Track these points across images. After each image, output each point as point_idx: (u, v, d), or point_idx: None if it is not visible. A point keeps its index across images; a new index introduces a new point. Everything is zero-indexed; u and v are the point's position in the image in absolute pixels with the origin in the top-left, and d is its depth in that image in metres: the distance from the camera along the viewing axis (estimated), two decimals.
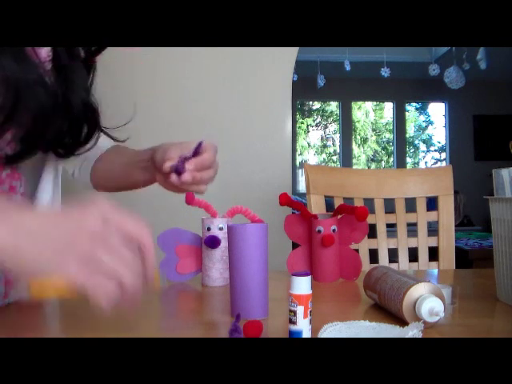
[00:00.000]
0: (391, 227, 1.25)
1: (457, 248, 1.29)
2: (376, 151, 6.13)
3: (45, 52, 0.71)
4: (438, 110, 5.97)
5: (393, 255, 1.26)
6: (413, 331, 0.48)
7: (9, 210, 0.48)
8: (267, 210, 1.27)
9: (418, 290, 0.56)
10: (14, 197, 0.76)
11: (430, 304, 0.54)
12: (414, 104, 6.09)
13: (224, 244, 0.83)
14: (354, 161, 5.92)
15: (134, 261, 0.51)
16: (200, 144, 0.64)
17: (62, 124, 0.73)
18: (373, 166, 6.06)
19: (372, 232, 1.06)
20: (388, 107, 6.05)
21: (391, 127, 5.98)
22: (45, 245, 0.46)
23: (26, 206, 0.52)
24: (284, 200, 0.91)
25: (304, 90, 4.82)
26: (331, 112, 6.09)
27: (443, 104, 5.78)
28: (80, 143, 0.80)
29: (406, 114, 5.93)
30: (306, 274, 0.50)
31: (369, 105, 6.09)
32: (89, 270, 0.47)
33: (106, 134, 0.83)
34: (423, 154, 6.18)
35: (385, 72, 4.16)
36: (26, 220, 0.47)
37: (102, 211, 0.50)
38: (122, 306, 0.49)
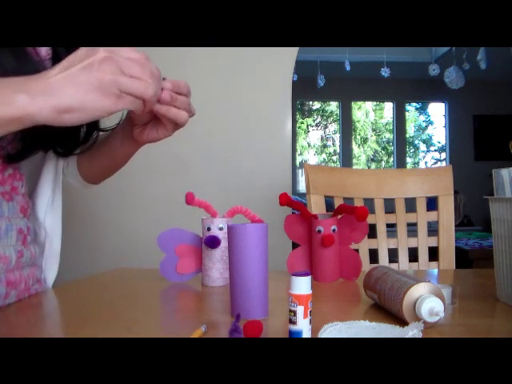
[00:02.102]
0: (391, 227, 1.25)
1: (457, 248, 1.29)
2: (376, 151, 6.13)
3: (45, 50, 0.72)
4: (438, 110, 5.97)
5: (393, 255, 1.26)
6: (413, 331, 0.48)
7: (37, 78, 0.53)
8: (267, 210, 1.27)
9: (418, 290, 0.56)
10: (16, 197, 0.76)
11: (430, 304, 0.54)
12: (414, 104, 6.09)
13: (224, 244, 0.83)
14: (354, 161, 5.92)
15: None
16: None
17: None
18: (373, 166, 6.06)
19: (372, 232, 1.06)
20: (388, 107, 6.05)
21: (391, 127, 5.98)
22: (81, 88, 0.52)
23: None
24: (284, 200, 0.91)
25: (304, 90, 4.82)
26: (331, 112, 6.09)
27: (443, 104, 5.78)
28: (79, 142, 0.81)
29: (406, 114, 5.93)
30: (306, 274, 0.50)
31: (369, 105, 6.09)
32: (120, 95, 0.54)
33: (104, 131, 0.84)
34: (423, 154, 6.18)
35: (385, 72, 4.16)
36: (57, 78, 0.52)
37: (104, 49, 0.54)
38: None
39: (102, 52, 0.53)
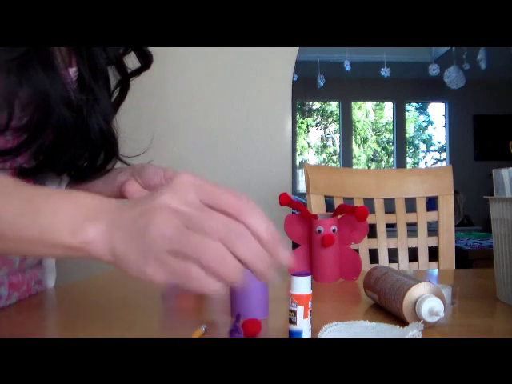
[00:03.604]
0: (391, 227, 1.25)
1: (457, 248, 1.29)
2: (376, 151, 6.13)
3: (72, 71, 0.70)
4: (438, 110, 5.96)
5: (393, 255, 1.26)
6: (413, 331, 0.48)
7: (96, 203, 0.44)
8: (267, 210, 1.26)
9: (418, 290, 0.56)
10: None
11: (429, 304, 0.54)
12: (414, 104, 6.08)
13: None
14: (354, 161, 5.92)
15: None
16: None
17: (79, 147, 0.71)
18: (373, 166, 6.06)
19: (372, 232, 1.06)
20: (388, 107, 6.05)
21: (391, 127, 5.98)
22: (134, 242, 0.41)
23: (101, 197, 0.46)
24: (284, 200, 0.91)
25: (304, 90, 4.82)
26: (331, 112, 6.09)
27: (443, 104, 5.78)
28: (95, 169, 0.77)
29: (406, 113, 5.93)
30: (306, 274, 0.50)
31: (369, 105, 6.09)
32: (181, 265, 0.39)
33: (122, 161, 0.80)
34: (423, 154, 6.18)
35: (385, 72, 4.15)
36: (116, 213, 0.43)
37: (188, 187, 0.42)
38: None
39: (168, 199, 0.41)
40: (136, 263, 0.40)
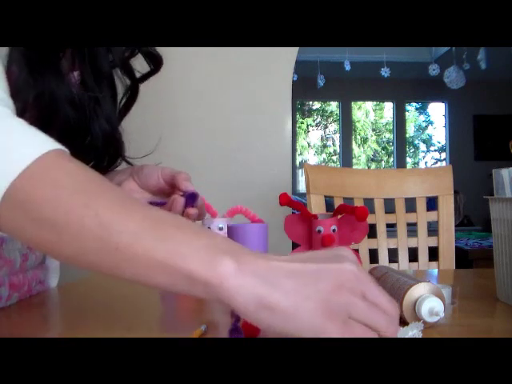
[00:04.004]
0: (391, 227, 1.25)
1: (457, 248, 1.29)
2: (376, 151, 6.13)
3: (75, 75, 0.70)
4: (438, 110, 5.97)
5: (393, 255, 1.26)
6: (413, 331, 0.48)
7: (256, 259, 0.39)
8: (267, 210, 1.27)
9: (418, 290, 0.56)
10: None
11: (429, 304, 0.54)
12: (414, 104, 6.09)
13: None
14: (354, 161, 5.92)
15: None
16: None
17: (82, 150, 0.70)
18: (373, 166, 6.06)
19: (372, 232, 1.06)
20: (388, 107, 6.05)
21: (391, 127, 5.98)
22: (302, 300, 0.38)
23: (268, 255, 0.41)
24: (284, 200, 0.91)
25: (304, 90, 4.82)
26: (331, 112, 6.09)
27: (443, 104, 5.78)
28: (99, 170, 0.77)
29: (406, 113, 5.93)
30: None
31: (369, 105, 6.09)
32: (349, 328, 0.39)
33: (128, 163, 0.79)
34: (423, 154, 6.18)
35: (385, 72, 4.16)
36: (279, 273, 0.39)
37: (355, 266, 0.41)
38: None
39: (350, 265, 0.40)
40: (308, 316, 0.38)
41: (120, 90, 0.76)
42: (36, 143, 0.42)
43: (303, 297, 0.38)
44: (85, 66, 0.69)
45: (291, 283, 0.38)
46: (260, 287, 0.38)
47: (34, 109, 0.60)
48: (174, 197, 0.66)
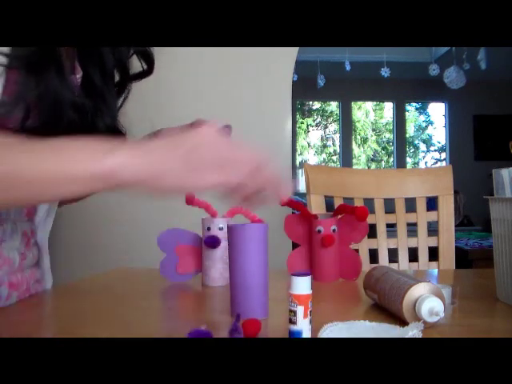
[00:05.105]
0: (391, 227, 1.25)
1: (457, 248, 1.29)
2: (376, 151, 6.13)
3: (76, 78, 0.72)
4: (438, 110, 5.97)
5: (393, 255, 1.25)
6: (413, 331, 0.48)
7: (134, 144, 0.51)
8: (267, 210, 1.27)
9: (418, 289, 0.56)
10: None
11: (429, 304, 0.54)
12: (414, 104, 6.08)
13: (224, 244, 0.83)
14: (354, 161, 5.92)
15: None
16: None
17: None
18: (373, 166, 6.06)
19: (372, 232, 1.06)
20: (388, 107, 6.05)
21: (391, 127, 5.98)
22: (175, 162, 0.50)
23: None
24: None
25: (304, 89, 4.81)
26: (331, 112, 6.09)
27: (443, 104, 5.78)
28: None
29: (406, 113, 5.93)
30: (306, 274, 0.50)
31: (369, 105, 6.09)
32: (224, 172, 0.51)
33: None
34: (423, 154, 6.18)
35: (385, 72, 4.15)
36: (152, 147, 0.51)
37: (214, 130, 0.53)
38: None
39: (206, 129, 0.52)
40: (181, 174, 0.50)
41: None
42: None
43: (168, 162, 0.50)
44: (92, 64, 0.70)
45: (158, 155, 0.50)
46: (139, 165, 0.49)
47: (37, 113, 0.60)
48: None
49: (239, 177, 0.52)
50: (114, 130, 0.75)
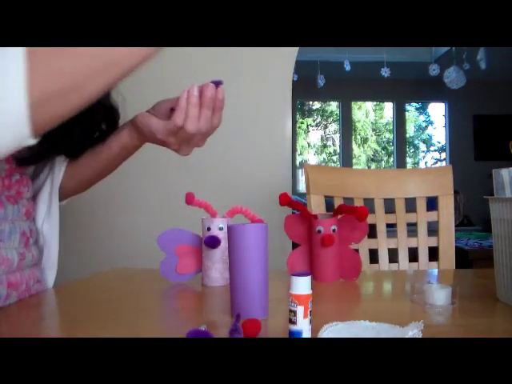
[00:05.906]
0: (391, 227, 1.25)
1: (457, 248, 1.29)
2: (376, 151, 6.14)
3: None
4: (438, 110, 5.97)
5: (393, 255, 1.26)
6: (413, 331, 0.48)
7: None
8: (267, 210, 1.27)
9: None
10: (21, 201, 0.76)
11: None
12: (414, 104, 6.09)
13: (224, 244, 0.83)
14: (354, 161, 5.92)
15: None
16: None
17: (82, 128, 0.77)
18: (373, 166, 6.06)
19: (372, 232, 1.06)
20: (388, 107, 6.05)
21: (391, 127, 5.98)
22: None
23: None
24: (284, 200, 0.91)
25: (304, 89, 4.81)
26: (331, 112, 6.09)
27: (443, 104, 5.78)
28: (96, 141, 0.83)
29: (406, 113, 5.94)
30: (306, 274, 0.50)
31: (369, 105, 6.09)
32: None
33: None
34: (423, 154, 6.18)
35: (385, 72, 4.16)
36: None
37: None
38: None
39: None
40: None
41: None
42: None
43: None
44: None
45: None
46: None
47: None
48: (207, 83, 0.79)
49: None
50: (107, 108, 0.81)
